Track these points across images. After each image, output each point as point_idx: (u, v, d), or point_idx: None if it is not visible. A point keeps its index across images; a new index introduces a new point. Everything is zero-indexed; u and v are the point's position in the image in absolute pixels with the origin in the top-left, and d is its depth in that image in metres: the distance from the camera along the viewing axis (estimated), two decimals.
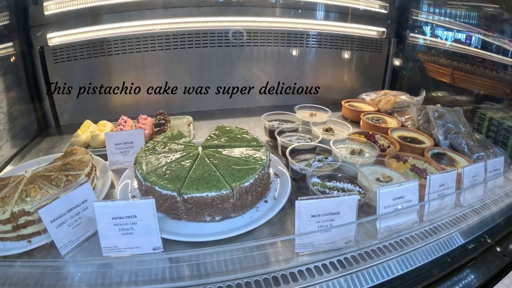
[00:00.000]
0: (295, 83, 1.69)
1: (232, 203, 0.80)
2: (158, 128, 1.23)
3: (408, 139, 1.25)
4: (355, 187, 0.90)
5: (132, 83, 1.58)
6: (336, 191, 0.87)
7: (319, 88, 1.69)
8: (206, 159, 0.89)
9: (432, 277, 0.84)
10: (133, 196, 0.92)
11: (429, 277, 0.84)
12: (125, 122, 1.31)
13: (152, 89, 1.61)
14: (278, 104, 1.68)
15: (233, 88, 1.63)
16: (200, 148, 0.99)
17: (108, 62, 1.57)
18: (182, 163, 0.88)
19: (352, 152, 1.05)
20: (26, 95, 1.56)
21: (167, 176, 0.82)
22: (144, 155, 0.94)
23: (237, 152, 0.94)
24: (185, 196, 0.77)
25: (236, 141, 1.01)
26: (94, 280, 0.73)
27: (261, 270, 0.76)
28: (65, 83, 1.55)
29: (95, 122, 1.43)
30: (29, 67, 1.53)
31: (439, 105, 1.37)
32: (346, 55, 1.70)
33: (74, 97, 1.58)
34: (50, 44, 1.49)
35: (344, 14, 1.62)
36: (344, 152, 1.05)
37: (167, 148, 0.97)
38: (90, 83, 1.57)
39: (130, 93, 1.60)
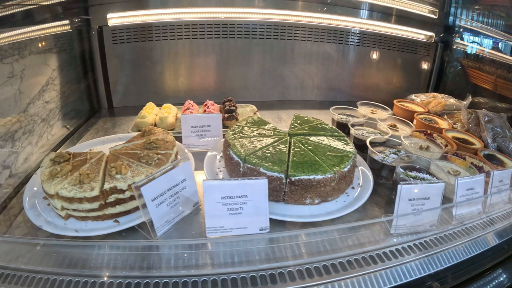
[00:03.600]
0: (339, 80, 1.80)
1: (332, 186, 0.90)
2: (229, 114, 1.30)
3: (460, 140, 1.38)
4: (432, 177, 1.02)
5: (184, 69, 1.63)
6: (420, 181, 0.98)
7: (365, 86, 1.80)
8: (301, 145, 0.98)
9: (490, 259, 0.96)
10: (222, 178, 1.00)
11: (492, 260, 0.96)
12: (192, 106, 1.36)
13: (203, 77, 1.67)
14: (325, 99, 1.78)
15: (286, 79, 1.71)
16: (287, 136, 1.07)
17: (162, 47, 1.61)
18: (278, 147, 0.96)
19: (420, 148, 1.17)
20: (80, 75, 1.58)
21: (268, 158, 0.90)
22: (234, 138, 1.01)
23: (324, 140, 1.03)
24: (293, 178, 0.85)
25: (318, 130, 1.10)
26: (193, 261, 0.75)
27: (359, 249, 0.85)
28: (120, 65, 1.58)
29: (145, 105, 1.47)
30: (86, 46, 1.56)
31: (484, 110, 1.51)
32: (394, 56, 1.82)
33: (127, 79, 1.62)
34: (109, 25, 1.52)
35: (395, 16, 1.74)
36: (413, 147, 1.16)
37: (256, 133, 1.05)
38: (143, 66, 1.61)
39: (181, 78, 1.65)
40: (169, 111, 1.34)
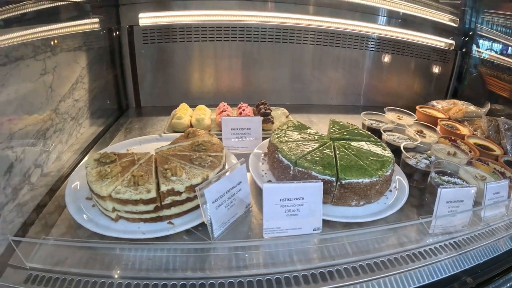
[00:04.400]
0: (362, 85, 1.92)
1: (376, 189, 1.01)
2: (264, 118, 1.39)
3: (481, 146, 1.52)
4: (462, 181, 1.14)
5: (211, 71, 1.72)
6: (451, 185, 1.10)
7: (386, 91, 1.93)
8: (345, 149, 1.09)
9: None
10: (269, 181, 1.09)
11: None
12: (226, 108, 1.45)
13: (229, 79, 1.75)
14: (349, 103, 1.90)
15: (309, 84, 1.82)
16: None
17: (189, 48, 1.69)
18: (324, 151, 1.06)
19: (448, 153, 1.29)
20: (109, 73, 1.65)
21: (318, 162, 1.00)
22: (281, 142, 1.11)
23: (364, 145, 1.14)
24: (343, 181, 0.96)
25: (356, 136, 1.21)
26: (247, 261, 0.81)
27: (400, 248, 0.96)
28: (149, 64, 1.65)
29: (174, 106, 1.55)
30: (115, 45, 1.62)
31: (503, 118, 1.66)
32: (414, 62, 1.95)
33: (155, 79, 1.69)
34: (140, 24, 1.59)
35: (415, 23, 1.87)
36: (442, 153, 1.29)
37: (299, 136, 1.15)
38: (171, 67, 1.68)
39: (208, 80, 1.74)
40: (205, 113, 1.43)
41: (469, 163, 1.29)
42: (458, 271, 0.96)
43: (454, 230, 1.04)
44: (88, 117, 1.55)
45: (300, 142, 1.11)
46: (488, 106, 1.72)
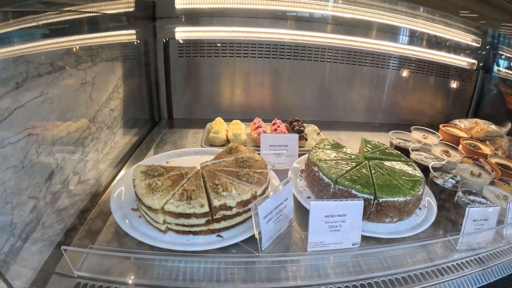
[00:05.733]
0: (387, 103, 2.11)
1: (409, 207, 1.18)
2: (299, 135, 1.56)
3: (503, 166, 1.70)
4: (486, 201, 1.32)
5: (242, 86, 1.90)
6: (477, 204, 1.27)
7: (410, 109, 2.12)
8: (379, 169, 1.26)
9: None
10: (308, 197, 1.26)
11: None
12: (261, 124, 1.62)
13: (259, 94, 1.93)
14: (375, 121, 2.09)
15: (336, 101, 2.00)
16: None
17: (222, 63, 1.87)
18: (361, 170, 1.24)
19: (472, 173, 1.47)
20: (143, 84, 1.81)
21: (357, 181, 1.17)
22: (320, 160, 1.27)
23: (395, 165, 1.32)
24: (380, 200, 1.12)
25: (388, 155, 1.38)
26: (294, 273, 0.92)
27: (429, 263, 1.13)
28: (182, 77, 1.82)
29: (205, 118, 1.72)
30: (151, 57, 1.79)
31: None
32: (435, 81, 2.14)
33: (188, 91, 1.86)
34: (176, 38, 1.76)
35: (438, 43, 2.06)
36: (466, 173, 1.46)
37: (337, 155, 1.33)
38: (204, 80, 1.86)
39: (239, 95, 1.91)
40: (241, 128, 1.60)
41: (492, 182, 1.46)
42: (481, 285, 1.14)
43: (478, 246, 1.21)
44: (122, 127, 1.71)
45: (339, 162, 1.28)
46: (509, 126, 1.90)
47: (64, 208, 1.12)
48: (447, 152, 1.61)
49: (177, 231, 1.02)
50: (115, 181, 1.40)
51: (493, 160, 1.73)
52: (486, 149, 1.81)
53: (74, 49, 1.18)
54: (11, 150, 0.86)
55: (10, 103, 0.84)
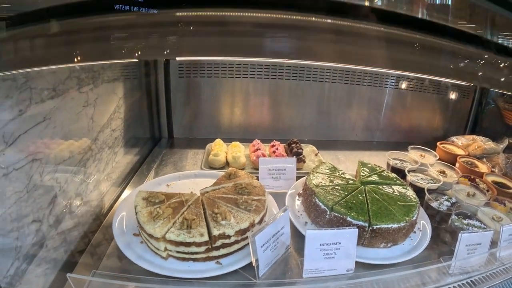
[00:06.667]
0: (385, 121, 2.18)
1: (403, 233, 1.25)
2: (297, 157, 1.64)
3: (499, 184, 1.77)
4: (480, 223, 1.39)
5: (241, 107, 1.97)
6: (471, 227, 1.34)
7: (408, 127, 2.19)
8: (375, 194, 1.33)
9: None
10: (305, 223, 1.33)
11: None
12: (260, 146, 1.70)
13: (258, 114, 2.01)
14: (372, 139, 2.16)
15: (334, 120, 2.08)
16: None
17: (222, 84, 1.95)
18: (357, 197, 1.31)
19: (468, 195, 1.54)
20: (143, 104, 1.89)
21: (352, 208, 1.24)
22: (317, 186, 1.35)
23: (391, 189, 1.39)
24: (375, 227, 1.20)
25: (384, 179, 1.46)
26: None
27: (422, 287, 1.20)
28: (182, 97, 1.90)
29: (205, 138, 1.79)
30: (151, 77, 1.87)
31: None
32: (433, 98, 2.21)
33: (188, 111, 1.94)
34: (177, 59, 1.84)
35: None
36: (462, 194, 1.53)
37: (333, 181, 1.40)
38: (203, 101, 1.94)
39: (237, 115, 1.99)
40: (240, 150, 1.67)
41: (487, 203, 1.53)
42: None
43: (472, 269, 1.28)
44: (123, 146, 1.78)
45: (335, 187, 1.36)
46: (506, 142, 1.97)
47: (68, 230, 1.19)
48: (443, 172, 1.68)
49: (178, 258, 1.09)
50: (118, 202, 1.48)
51: (490, 179, 1.80)
52: (483, 167, 1.88)
53: (77, 72, 1.22)
54: (16, 176, 0.92)
55: (14, 130, 0.89)
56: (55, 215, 1.12)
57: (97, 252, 1.19)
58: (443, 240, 1.39)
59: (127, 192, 1.59)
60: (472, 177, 1.72)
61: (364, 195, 1.32)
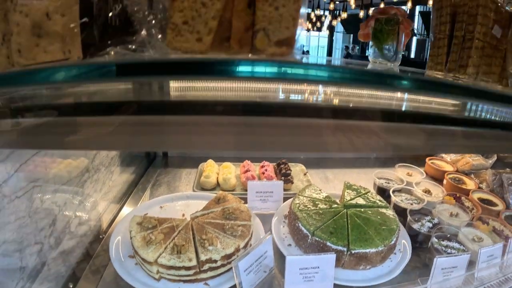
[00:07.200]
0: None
1: (381, 256, 1.33)
2: (285, 178, 1.73)
3: (485, 201, 1.83)
4: (460, 245, 1.46)
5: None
6: (450, 249, 1.42)
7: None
8: (356, 219, 1.42)
9: None
10: (289, 245, 1.43)
11: None
12: (250, 167, 1.79)
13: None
14: (359, 156, 2.23)
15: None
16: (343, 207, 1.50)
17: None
18: (338, 221, 1.39)
19: (451, 215, 1.61)
20: None
21: (333, 233, 1.33)
22: (300, 211, 1.44)
23: (373, 212, 1.47)
24: (353, 251, 1.28)
25: (368, 201, 1.54)
26: None
27: None
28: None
29: (198, 156, 1.88)
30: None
31: (508, 169, 1.96)
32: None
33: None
34: None
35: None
36: (444, 214, 1.60)
37: (318, 206, 1.49)
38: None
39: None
40: (230, 171, 1.77)
41: (469, 224, 1.60)
42: None
43: None
44: (119, 165, 1.90)
45: (318, 211, 1.45)
46: (494, 157, 2.02)
47: (68, 250, 1.30)
48: (429, 191, 1.75)
49: (169, 279, 1.21)
50: (115, 222, 1.59)
51: (476, 196, 1.86)
52: (470, 183, 1.94)
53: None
54: (18, 204, 1.02)
55: (14, 161, 0.99)
56: (55, 237, 1.23)
57: (98, 268, 1.31)
58: (424, 262, 1.47)
59: (126, 209, 1.70)
60: (458, 195, 1.79)
61: (346, 220, 1.41)
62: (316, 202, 1.51)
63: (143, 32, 0.59)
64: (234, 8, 0.51)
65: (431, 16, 1.31)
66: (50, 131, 0.61)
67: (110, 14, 0.60)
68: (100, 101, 0.66)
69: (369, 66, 2.06)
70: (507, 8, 1.24)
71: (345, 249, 1.29)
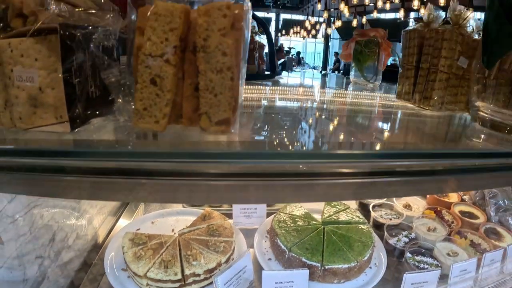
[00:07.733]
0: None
1: (355, 270, 1.45)
2: None
3: (467, 214, 1.92)
4: (434, 260, 1.56)
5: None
6: (423, 264, 1.52)
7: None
8: (332, 235, 1.53)
9: None
10: (269, 259, 1.56)
11: None
12: None
13: None
14: None
15: None
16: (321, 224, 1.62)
17: None
18: (315, 238, 1.52)
19: (428, 229, 1.71)
20: None
21: (308, 250, 1.45)
22: (280, 228, 1.56)
23: (351, 228, 1.58)
24: (326, 267, 1.41)
25: (346, 216, 1.65)
26: None
27: None
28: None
29: None
30: None
31: None
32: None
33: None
34: None
35: None
36: (422, 228, 1.70)
37: (297, 223, 1.61)
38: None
39: None
40: None
41: (446, 238, 1.70)
42: None
43: None
44: None
45: (296, 228, 1.57)
46: None
47: (67, 263, 1.46)
48: (409, 206, 1.84)
49: None
50: (111, 235, 1.75)
51: (458, 208, 1.95)
52: (453, 196, 2.03)
53: None
54: (21, 223, 1.17)
55: None
56: (55, 251, 1.39)
57: (96, 278, 1.46)
58: (399, 276, 1.57)
59: (122, 221, 1.86)
60: (438, 208, 1.88)
61: (323, 236, 1.53)
62: (296, 219, 1.63)
63: (120, 100, 0.73)
64: (184, 94, 0.63)
65: (401, 45, 1.40)
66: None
67: (91, 89, 0.74)
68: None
69: (350, 88, 2.16)
70: (475, 36, 1.32)
71: (319, 264, 1.41)
